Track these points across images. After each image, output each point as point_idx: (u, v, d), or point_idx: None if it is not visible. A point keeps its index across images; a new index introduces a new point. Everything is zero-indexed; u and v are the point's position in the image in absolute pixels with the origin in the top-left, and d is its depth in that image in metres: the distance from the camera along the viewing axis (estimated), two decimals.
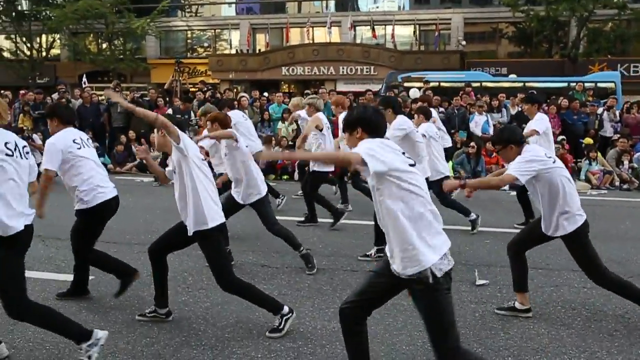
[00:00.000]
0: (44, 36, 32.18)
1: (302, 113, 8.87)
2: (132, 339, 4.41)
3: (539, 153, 4.75)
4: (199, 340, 4.39)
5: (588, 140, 14.06)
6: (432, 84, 17.72)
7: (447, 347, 3.10)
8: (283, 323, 4.47)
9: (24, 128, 13.33)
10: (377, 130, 3.26)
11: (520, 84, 18.91)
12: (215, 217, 4.46)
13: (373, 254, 6.54)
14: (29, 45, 30.98)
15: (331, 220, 8.05)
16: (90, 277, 5.47)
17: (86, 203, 4.91)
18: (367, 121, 3.26)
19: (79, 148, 4.96)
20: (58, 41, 33.09)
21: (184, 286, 5.63)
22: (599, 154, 13.30)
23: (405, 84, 19.46)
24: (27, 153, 3.85)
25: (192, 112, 14.50)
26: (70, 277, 5.38)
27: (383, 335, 4.50)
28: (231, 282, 4.45)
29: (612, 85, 18.67)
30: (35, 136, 13.00)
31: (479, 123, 14.06)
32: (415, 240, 3.01)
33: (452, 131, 13.73)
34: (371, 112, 3.35)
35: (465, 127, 14.34)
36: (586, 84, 17.92)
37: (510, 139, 4.76)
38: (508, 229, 7.94)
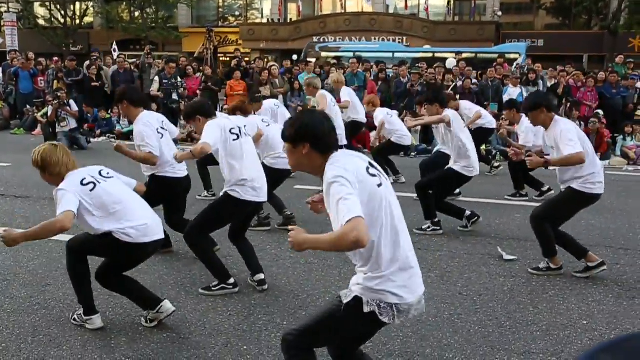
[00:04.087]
0: (77, 4, 32.41)
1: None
2: None
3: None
4: (225, 307, 4.42)
5: None
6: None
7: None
8: (219, 289, 4.63)
9: (62, 89, 13.50)
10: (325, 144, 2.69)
11: (430, 54, 19.30)
12: None
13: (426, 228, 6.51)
14: (63, 12, 31.25)
15: None
16: None
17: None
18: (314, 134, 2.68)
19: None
20: (91, 9, 33.32)
21: None
22: (636, 128, 12.90)
23: (323, 54, 19.75)
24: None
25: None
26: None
27: None
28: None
29: (517, 56, 18.50)
30: (71, 102, 13.16)
31: (512, 95, 13.74)
32: None
33: (485, 103, 13.46)
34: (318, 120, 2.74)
35: (499, 99, 14.05)
36: (493, 55, 18.10)
37: (542, 102, 4.91)
38: (540, 203, 7.78)
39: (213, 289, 4.66)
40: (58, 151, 3.85)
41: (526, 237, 6.16)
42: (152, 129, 5.18)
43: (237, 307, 4.43)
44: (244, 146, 4.76)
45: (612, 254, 5.87)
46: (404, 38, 28.38)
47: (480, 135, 9.40)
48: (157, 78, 14.19)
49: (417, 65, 16.15)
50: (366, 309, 2.59)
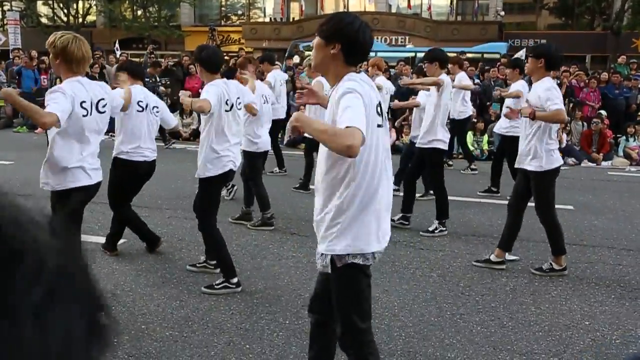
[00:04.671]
0: (80, 2, 32.44)
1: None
2: (162, 301, 4.47)
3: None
4: (228, 305, 4.43)
5: None
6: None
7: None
8: (222, 287, 4.63)
9: None
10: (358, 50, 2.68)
11: (412, 54, 19.58)
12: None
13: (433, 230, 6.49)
14: (65, 11, 31.28)
15: None
16: (122, 241, 5.56)
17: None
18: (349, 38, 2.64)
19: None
20: (94, 8, 33.33)
21: None
22: (639, 128, 12.90)
23: (307, 53, 19.97)
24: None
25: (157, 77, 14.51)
26: (101, 239, 5.49)
27: (412, 306, 4.47)
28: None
29: (497, 56, 18.57)
30: None
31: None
32: None
33: (487, 103, 13.45)
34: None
35: (501, 99, 14.02)
36: (474, 55, 18.45)
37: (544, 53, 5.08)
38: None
39: (216, 287, 4.67)
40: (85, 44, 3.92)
41: (528, 237, 6.16)
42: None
43: (239, 306, 4.43)
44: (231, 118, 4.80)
45: (615, 255, 5.87)
46: (407, 37, 28.40)
47: (459, 126, 9.93)
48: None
49: (420, 64, 16.16)
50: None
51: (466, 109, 9.99)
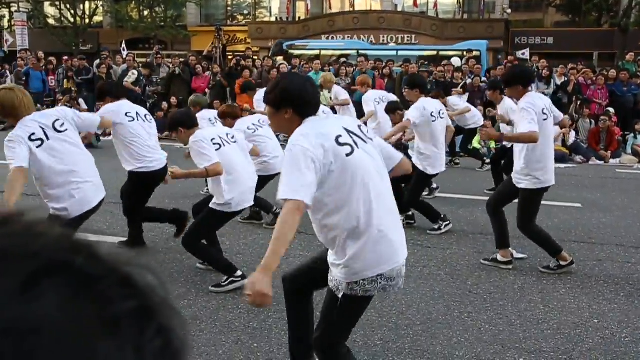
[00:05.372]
0: (87, 3, 32.55)
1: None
2: None
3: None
4: (236, 304, 4.43)
5: None
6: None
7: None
8: (228, 283, 4.66)
9: (72, 89, 13.64)
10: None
11: (394, 52, 19.69)
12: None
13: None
14: (72, 12, 31.39)
15: None
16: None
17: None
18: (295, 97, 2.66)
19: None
20: (101, 8, 33.45)
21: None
22: None
23: (290, 52, 20.12)
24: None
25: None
26: (109, 239, 5.51)
27: (419, 305, 4.47)
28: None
29: (477, 53, 18.63)
30: (80, 100, 13.25)
31: None
32: None
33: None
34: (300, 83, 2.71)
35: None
36: (454, 53, 18.94)
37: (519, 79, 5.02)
38: (550, 201, 7.75)
39: (223, 284, 4.69)
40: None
41: None
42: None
43: (247, 304, 4.43)
44: (230, 154, 4.80)
45: (624, 252, 5.84)
46: (413, 36, 28.33)
47: (469, 134, 10.47)
48: (135, 71, 14.36)
49: (424, 62, 16.14)
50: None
51: (474, 118, 10.17)
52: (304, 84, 2.69)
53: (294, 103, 2.61)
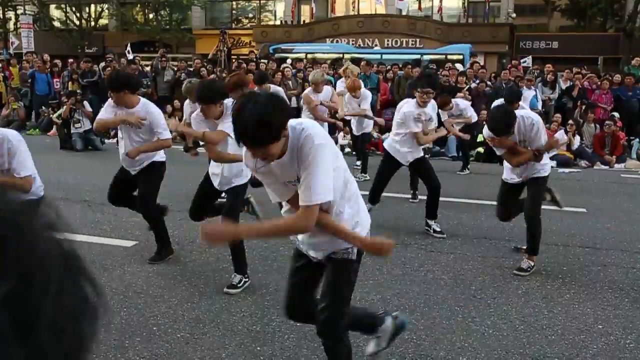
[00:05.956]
0: (92, 6, 32.68)
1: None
2: (173, 303, 4.48)
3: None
4: (239, 307, 4.43)
5: None
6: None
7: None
8: (242, 285, 4.76)
9: (77, 91, 13.67)
10: None
11: (378, 56, 19.97)
12: None
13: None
14: (78, 15, 31.53)
15: None
16: (133, 243, 5.59)
17: None
18: None
19: None
20: (106, 11, 33.58)
21: (225, 253, 5.67)
22: None
23: (276, 55, 20.32)
24: None
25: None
26: (113, 241, 5.51)
27: (423, 309, 4.45)
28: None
29: (460, 57, 18.89)
30: (85, 102, 13.28)
31: (527, 98, 13.58)
32: None
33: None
34: None
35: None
36: (438, 57, 19.37)
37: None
38: (555, 206, 7.73)
39: (239, 285, 4.76)
40: None
41: (541, 240, 6.11)
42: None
43: (250, 308, 4.44)
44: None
45: (628, 258, 5.82)
46: (418, 40, 28.34)
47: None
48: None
49: (429, 66, 16.13)
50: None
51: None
52: (275, 106, 2.59)
53: (283, 128, 2.64)
